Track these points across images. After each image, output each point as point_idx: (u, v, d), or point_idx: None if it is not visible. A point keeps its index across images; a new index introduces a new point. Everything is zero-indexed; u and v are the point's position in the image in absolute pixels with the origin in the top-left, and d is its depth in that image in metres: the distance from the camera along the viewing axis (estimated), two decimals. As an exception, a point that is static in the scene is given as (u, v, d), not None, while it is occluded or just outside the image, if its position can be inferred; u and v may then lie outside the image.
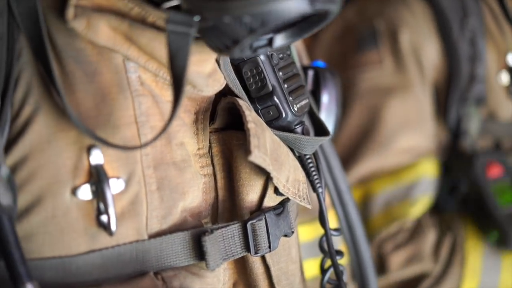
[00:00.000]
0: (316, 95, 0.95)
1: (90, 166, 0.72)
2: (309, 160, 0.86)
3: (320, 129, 0.88)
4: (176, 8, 0.72)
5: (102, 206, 0.72)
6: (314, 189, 0.86)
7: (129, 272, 0.74)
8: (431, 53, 1.35)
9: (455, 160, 1.37)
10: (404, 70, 1.35)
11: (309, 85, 0.95)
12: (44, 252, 0.71)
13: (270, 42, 0.72)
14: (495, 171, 1.34)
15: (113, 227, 0.71)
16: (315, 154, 0.88)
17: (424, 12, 1.36)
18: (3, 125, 0.69)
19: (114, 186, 0.72)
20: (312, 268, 0.96)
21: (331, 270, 0.88)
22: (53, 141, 0.71)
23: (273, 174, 0.78)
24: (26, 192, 0.70)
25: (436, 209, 1.38)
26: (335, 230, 0.89)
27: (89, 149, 0.72)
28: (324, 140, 0.87)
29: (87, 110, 0.72)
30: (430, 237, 1.31)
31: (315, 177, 0.86)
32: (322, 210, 0.87)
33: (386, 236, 1.32)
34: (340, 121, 1.33)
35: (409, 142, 1.34)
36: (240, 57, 0.73)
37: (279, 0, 0.65)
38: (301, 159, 0.86)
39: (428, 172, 1.34)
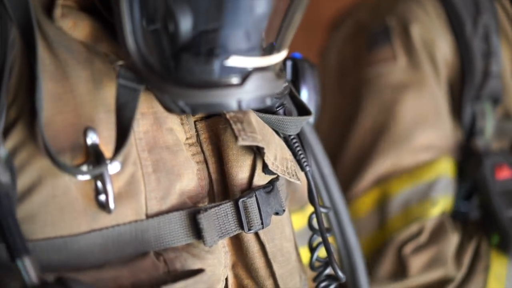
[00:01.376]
0: (295, 84, 0.99)
1: (87, 146, 0.75)
2: (294, 140, 0.90)
3: (302, 110, 0.92)
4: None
5: (100, 185, 0.74)
6: (302, 168, 0.89)
7: (130, 252, 0.76)
8: (443, 49, 1.34)
9: (468, 160, 1.34)
10: (418, 65, 1.33)
11: (288, 75, 0.99)
12: (46, 232, 0.73)
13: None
14: (504, 173, 1.32)
15: (111, 205, 0.74)
16: (299, 135, 0.91)
17: (436, 8, 1.35)
18: (1, 111, 0.72)
19: (110, 167, 0.75)
20: (305, 255, 0.98)
21: (320, 247, 0.90)
22: (50, 123, 0.74)
23: (265, 149, 0.81)
24: (27, 173, 0.73)
25: (457, 216, 1.35)
26: (324, 207, 0.92)
27: (85, 131, 0.75)
28: (307, 119, 0.90)
29: (81, 94, 0.76)
30: (453, 240, 1.27)
31: (301, 156, 0.89)
32: (311, 187, 0.90)
33: (406, 237, 1.28)
34: (349, 114, 1.35)
35: (427, 139, 1.31)
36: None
37: (210, 97, 0.72)
38: (286, 139, 0.89)
39: (447, 171, 1.32)
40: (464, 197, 1.34)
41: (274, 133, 0.86)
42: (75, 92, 0.75)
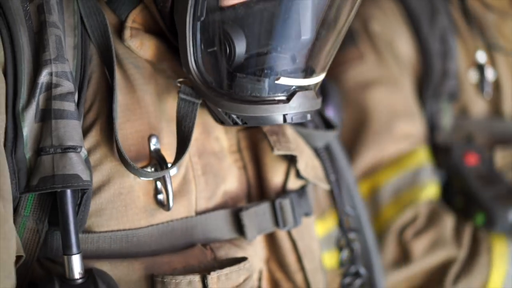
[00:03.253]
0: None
1: (150, 151, 0.85)
2: (321, 150, 1.01)
3: (328, 125, 1.03)
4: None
5: (159, 185, 0.84)
6: (327, 176, 1.00)
7: (181, 244, 0.86)
8: (404, 46, 1.40)
9: (437, 151, 1.39)
10: (384, 62, 1.38)
11: None
12: (111, 226, 0.83)
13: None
14: (472, 159, 1.37)
15: (171, 203, 0.84)
16: (326, 146, 1.02)
17: (393, 9, 1.41)
18: (80, 116, 0.81)
19: (171, 170, 0.84)
20: (327, 260, 1.08)
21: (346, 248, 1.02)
22: (120, 130, 0.83)
23: (298, 157, 0.92)
24: (99, 172, 0.82)
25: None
26: (345, 214, 1.03)
27: (149, 137, 0.85)
28: (333, 133, 1.01)
29: (146, 105, 0.86)
30: (448, 221, 1.31)
31: (328, 165, 1.00)
32: (335, 194, 1.01)
33: (403, 224, 1.32)
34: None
35: (405, 129, 1.36)
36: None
37: (260, 111, 0.81)
38: (315, 150, 1.00)
39: (426, 160, 1.37)
40: (443, 185, 1.39)
41: (305, 144, 0.97)
42: (141, 103, 0.85)
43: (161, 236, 0.86)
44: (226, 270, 0.84)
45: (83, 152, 0.80)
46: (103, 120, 0.83)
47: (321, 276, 1.00)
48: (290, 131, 0.95)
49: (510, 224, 1.30)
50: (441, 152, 1.38)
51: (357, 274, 1.01)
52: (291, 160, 0.94)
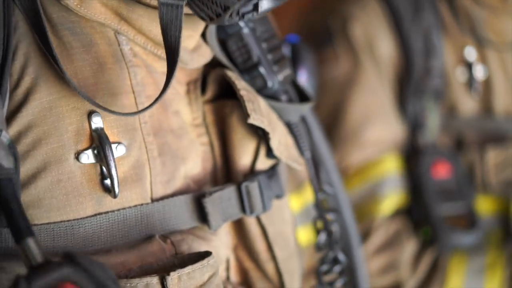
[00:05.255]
0: (294, 68, 0.99)
1: (91, 131, 0.74)
2: (295, 126, 0.90)
3: (303, 96, 0.92)
4: None
5: (105, 170, 0.74)
6: (302, 153, 0.90)
7: (136, 236, 0.76)
8: (385, 46, 1.37)
9: (410, 157, 1.38)
10: (359, 64, 1.36)
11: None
12: (52, 217, 0.73)
13: (256, 7, 0.75)
14: (441, 170, 1.35)
15: (116, 189, 0.74)
16: (303, 120, 0.92)
17: (375, 8, 1.38)
18: (3, 95, 0.71)
19: (115, 151, 0.75)
20: (304, 234, 1.00)
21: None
22: (54, 108, 0.73)
23: (271, 134, 0.82)
24: (32, 158, 0.72)
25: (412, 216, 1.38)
26: (323, 192, 0.93)
27: (89, 115, 0.74)
28: (309, 106, 0.91)
29: (85, 78, 0.75)
30: (409, 246, 1.31)
31: (301, 142, 0.90)
32: (310, 174, 0.91)
33: None
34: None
35: (374, 135, 1.35)
36: (229, 23, 0.77)
37: None
38: (288, 125, 0.90)
39: (394, 168, 1.35)
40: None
41: (278, 119, 0.87)
42: (79, 76, 0.75)
43: (111, 226, 0.75)
44: (188, 269, 0.74)
45: (4, 136, 0.69)
46: (36, 96, 0.72)
47: (296, 263, 0.91)
48: (263, 104, 0.84)
49: (452, 246, 1.30)
50: (413, 157, 1.35)
51: (335, 261, 0.91)
52: (262, 137, 0.84)
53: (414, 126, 1.37)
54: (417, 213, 1.34)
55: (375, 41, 1.37)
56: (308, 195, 1.04)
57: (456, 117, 1.39)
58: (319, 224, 0.92)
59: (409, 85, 1.36)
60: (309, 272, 1.02)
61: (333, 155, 1.27)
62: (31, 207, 0.72)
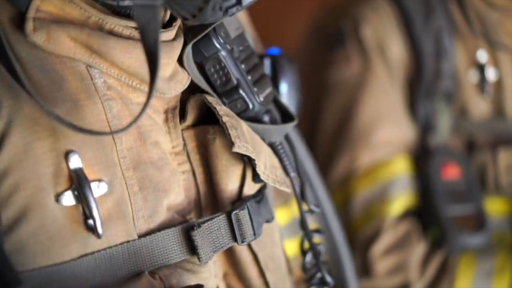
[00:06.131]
0: (274, 82, 0.97)
1: (69, 171, 0.72)
2: (279, 147, 0.89)
3: (285, 115, 0.91)
4: None
5: (87, 210, 0.72)
6: (287, 174, 0.89)
7: (124, 274, 0.75)
8: (397, 48, 1.38)
9: (420, 158, 1.38)
10: (370, 66, 1.37)
11: (267, 73, 0.97)
12: (37, 262, 0.71)
13: (239, 0, 0.73)
14: (451, 171, 1.36)
15: (99, 229, 0.72)
16: (287, 138, 0.90)
17: (387, 9, 1.38)
18: None
19: (97, 189, 0.73)
20: (291, 247, 0.99)
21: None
22: (30, 151, 0.71)
23: (256, 160, 0.80)
24: (12, 204, 0.70)
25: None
26: (309, 211, 0.92)
27: (66, 155, 0.72)
28: (291, 126, 0.89)
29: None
30: (418, 248, 1.31)
31: (287, 162, 0.89)
32: (296, 194, 0.89)
33: (366, 238, 1.33)
34: (311, 121, 1.39)
35: (384, 137, 1.35)
36: (213, 20, 0.75)
37: None
38: (271, 146, 0.88)
39: (404, 170, 1.36)
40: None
41: (262, 141, 0.85)
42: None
43: (99, 266, 0.73)
44: None
45: None
46: (11, 139, 0.70)
47: (288, 283, 0.90)
48: (246, 128, 0.82)
49: (460, 248, 1.30)
50: (423, 158, 1.36)
51: (323, 283, 0.90)
52: (247, 162, 0.83)
53: (425, 128, 1.37)
54: (426, 214, 1.34)
55: (386, 43, 1.37)
56: (295, 209, 1.00)
57: (467, 119, 1.40)
58: (305, 245, 0.91)
59: (420, 87, 1.36)
60: (297, 282, 1.00)
61: (343, 158, 1.34)
62: (15, 254, 0.70)
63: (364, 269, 1.30)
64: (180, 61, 0.81)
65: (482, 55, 1.39)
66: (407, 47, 1.37)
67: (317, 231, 0.91)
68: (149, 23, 0.67)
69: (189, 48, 0.81)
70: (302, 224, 0.89)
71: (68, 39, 0.74)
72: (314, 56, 1.45)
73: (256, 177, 0.83)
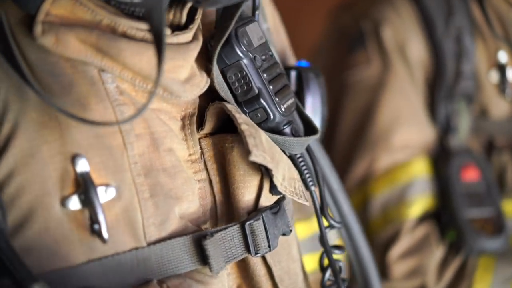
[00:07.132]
0: (300, 95, 0.95)
1: (76, 175, 0.71)
2: (300, 159, 0.87)
3: (308, 127, 0.88)
4: None
5: (93, 214, 0.71)
6: (307, 187, 0.86)
7: (132, 281, 0.73)
8: (417, 49, 1.37)
9: (440, 159, 1.37)
10: (390, 67, 1.36)
11: (292, 86, 0.95)
12: (43, 266, 0.70)
13: None
14: (471, 174, 1.34)
15: (104, 234, 0.71)
16: (308, 151, 0.88)
17: (408, 10, 1.38)
18: None
19: (104, 194, 0.72)
20: (310, 263, 0.96)
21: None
22: (36, 153, 0.70)
23: (274, 171, 0.78)
24: (17, 207, 0.70)
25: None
26: (335, 222, 0.89)
27: (73, 159, 0.71)
28: (314, 139, 0.87)
29: (67, 120, 0.72)
30: (437, 252, 1.30)
31: (307, 175, 0.86)
32: (316, 208, 0.87)
33: (384, 241, 1.31)
34: (330, 122, 1.34)
35: (403, 139, 1.34)
36: (225, 3, 0.74)
37: None
38: (292, 158, 0.86)
39: (423, 171, 1.34)
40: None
41: (282, 152, 0.83)
42: (60, 119, 0.71)
43: (106, 272, 0.72)
44: None
45: None
46: (17, 142, 0.70)
47: None
48: (265, 138, 0.80)
49: (478, 251, 1.28)
50: (443, 160, 1.34)
51: None
52: (265, 172, 0.80)
53: (445, 129, 1.36)
54: (445, 217, 1.32)
55: (407, 44, 1.37)
56: (316, 223, 0.98)
57: (487, 120, 1.39)
58: (325, 261, 0.88)
59: (440, 88, 1.35)
60: None
61: (362, 160, 1.33)
62: (22, 257, 0.68)
63: (382, 272, 1.28)
64: (206, 65, 0.80)
65: (503, 56, 1.39)
66: (428, 47, 1.37)
67: (338, 247, 0.89)
68: (154, 5, 0.67)
69: (216, 53, 0.79)
70: (322, 239, 0.87)
71: (77, 41, 0.72)
72: (334, 56, 1.44)
73: (273, 189, 0.81)
